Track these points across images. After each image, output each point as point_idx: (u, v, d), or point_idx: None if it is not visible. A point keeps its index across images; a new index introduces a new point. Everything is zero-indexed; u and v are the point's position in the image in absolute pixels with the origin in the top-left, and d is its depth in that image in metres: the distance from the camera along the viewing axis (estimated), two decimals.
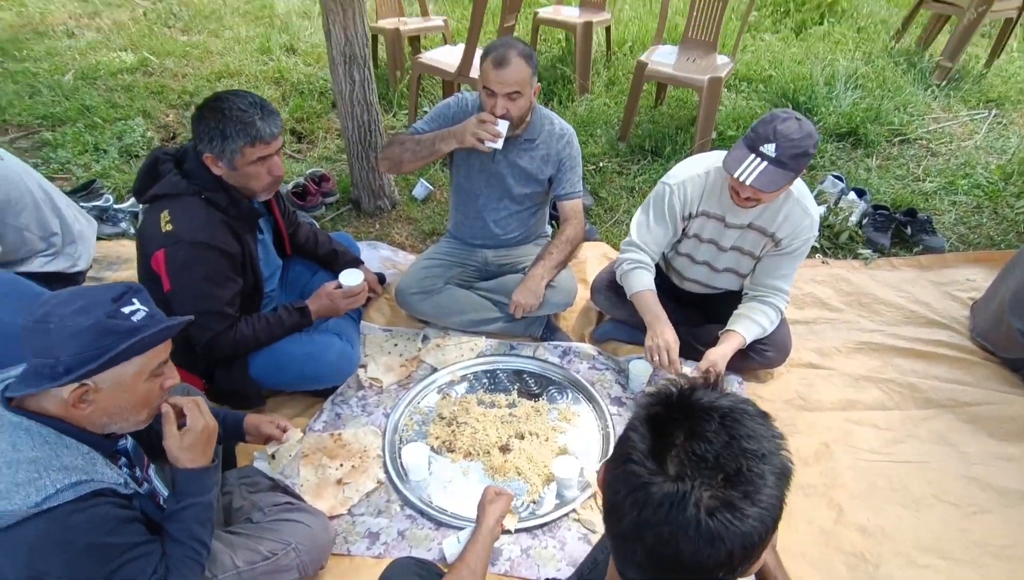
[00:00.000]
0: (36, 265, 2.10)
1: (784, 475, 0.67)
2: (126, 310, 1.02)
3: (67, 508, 0.96)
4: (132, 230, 2.85)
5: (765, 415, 0.71)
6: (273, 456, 1.57)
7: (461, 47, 3.46)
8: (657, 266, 2.17)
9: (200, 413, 1.21)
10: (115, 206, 2.90)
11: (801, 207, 1.82)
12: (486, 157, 2.10)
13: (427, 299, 2.19)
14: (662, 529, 0.65)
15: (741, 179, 1.64)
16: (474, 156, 2.10)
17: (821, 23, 4.95)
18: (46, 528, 0.94)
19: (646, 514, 0.65)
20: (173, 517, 1.15)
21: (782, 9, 5.12)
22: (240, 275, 1.70)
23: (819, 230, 2.79)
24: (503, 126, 1.92)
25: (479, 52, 3.26)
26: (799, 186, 1.84)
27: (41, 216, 2.13)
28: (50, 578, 0.96)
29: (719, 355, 1.85)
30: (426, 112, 3.73)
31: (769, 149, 1.61)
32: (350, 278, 1.89)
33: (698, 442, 0.66)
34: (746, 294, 2.00)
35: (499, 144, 1.93)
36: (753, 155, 1.64)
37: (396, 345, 2.21)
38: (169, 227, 1.55)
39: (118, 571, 1.01)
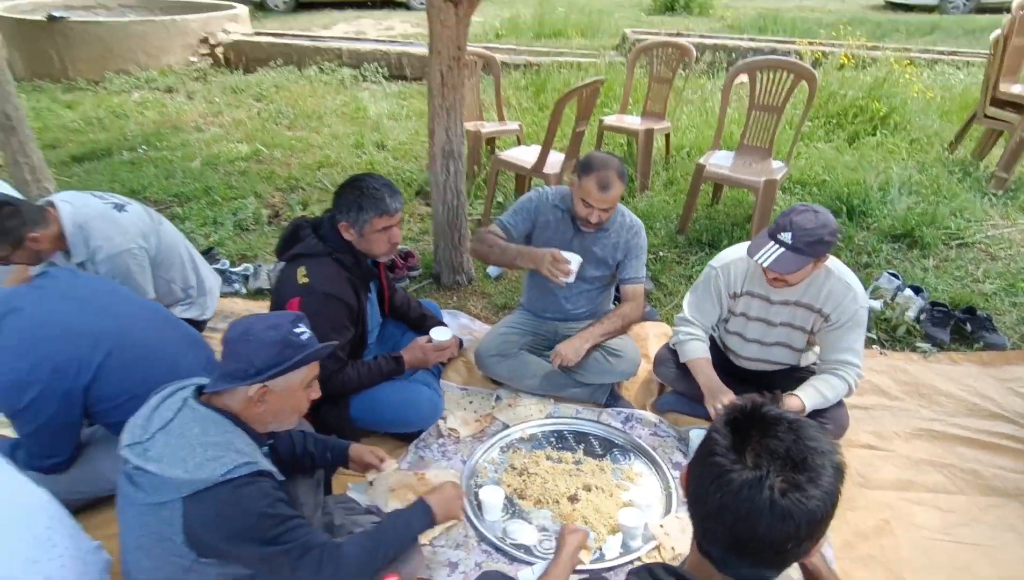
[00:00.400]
0: (176, 312, 2.46)
1: (839, 469, 0.84)
2: (298, 331, 1.31)
3: (243, 480, 1.19)
4: (243, 290, 3.25)
5: (822, 427, 0.88)
6: (371, 484, 1.77)
7: (534, 148, 3.91)
8: (715, 345, 2.34)
9: (456, 496, 1.57)
10: (230, 269, 3.33)
11: (843, 283, 1.99)
12: (562, 240, 2.36)
13: (503, 362, 2.42)
14: (741, 508, 0.81)
15: (759, 262, 1.88)
16: (553, 241, 2.36)
17: (874, 134, 5.22)
18: (230, 494, 1.18)
19: (728, 497, 0.82)
20: (383, 523, 1.41)
21: (834, 121, 5.44)
22: (354, 326, 1.99)
23: (875, 323, 2.93)
24: (575, 264, 2.17)
25: (555, 153, 3.70)
26: (838, 265, 2.03)
27: (184, 272, 2.53)
28: (232, 539, 1.18)
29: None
30: (500, 203, 4.17)
31: (786, 237, 1.84)
32: (440, 334, 2.15)
33: (770, 439, 0.84)
34: (817, 369, 2.13)
35: (571, 279, 2.19)
36: (772, 242, 1.87)
37: (471, 402, 2.42)
38: (305, 280, 1.88)
39: (282, 536, 1.22)
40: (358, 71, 7.31)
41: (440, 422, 2.25)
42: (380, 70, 7.36)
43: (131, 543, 1.23)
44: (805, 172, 4.42)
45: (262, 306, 3.06)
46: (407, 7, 12.04)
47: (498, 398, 2.43)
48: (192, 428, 1.21)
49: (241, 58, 7.75)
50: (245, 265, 3.41)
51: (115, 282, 2.05)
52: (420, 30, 9.86)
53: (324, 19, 10.85)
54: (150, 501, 1.16)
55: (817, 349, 2.21)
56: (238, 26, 8.25)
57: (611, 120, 4.58)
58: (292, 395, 1.32)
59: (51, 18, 7.00)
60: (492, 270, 3.39)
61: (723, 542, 0.85)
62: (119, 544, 1.30)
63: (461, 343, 2.70)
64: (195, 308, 2.58)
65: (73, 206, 2.16)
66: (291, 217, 4.16)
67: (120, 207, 2.27)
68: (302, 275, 1.88)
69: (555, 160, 3.70)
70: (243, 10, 8.64)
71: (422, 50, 7.61)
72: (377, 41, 8.39)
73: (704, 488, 0.86)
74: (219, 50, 7.83)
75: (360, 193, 1.89)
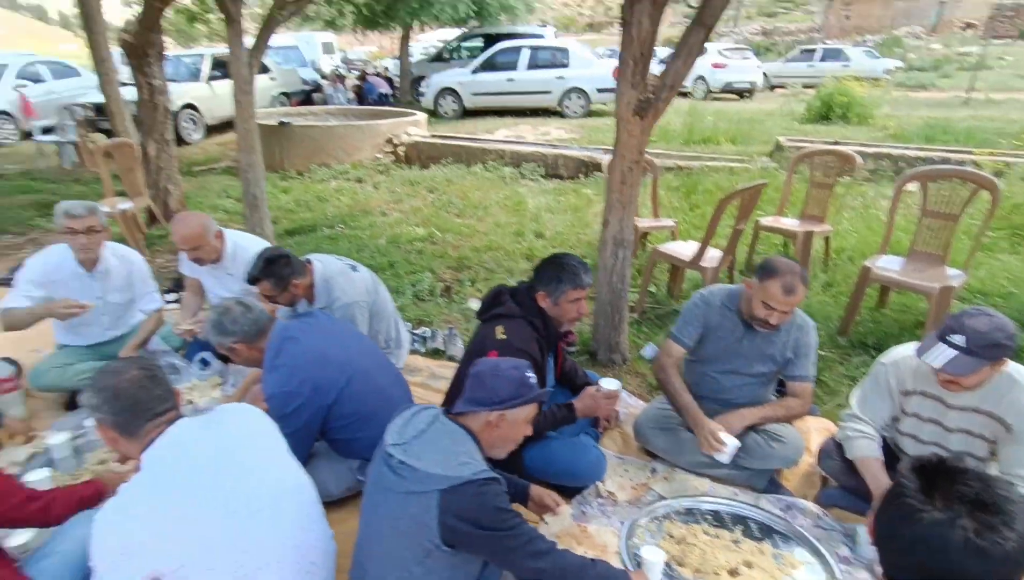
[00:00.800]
0: None
1: None
2: (529, 374, 1.61)
3: (483, 480, 1.46)
4: (422, 350, 3.71)
5: (1010, 483, 0.96)
6: (546, 524, 1.95)
7: (690, 243, 4.13)
8: (889, 449, 2.28)
9: None
10: (412, 331, 3.82)
11: None
12: (733, 339, 2.46)
13: (661, 435, 2.53)
14: (933, 543, 0.90)
15: (928, 362, 1.86)
16: (724, 341, 2.47)
17: None
18: (476, 490, 1.44)
19: (919, 532, 0.91)
20: (596, 559, 1.61)
21: (1022, 233, 5.07)
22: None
23: None
24: (731, 448, 2.25)
25: (711, 249, 3.88)
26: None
27: (390, 326, 3.01)
28: (476, 525, 1.43)
29: None
30: (651, 292, 4.37)
31: (958, 340, 1.81)
32: (609, 383, 2.35)
33: (959, 486, 0.93)
34: None
35: (724, 459, 2.27)
36: (942, 344, 1.85)
37: (627, 471, 2.54)
38: (503, 336, 2.20)
39: (514, 526, 1.47)
40: (518, 169, 8.14)
41: (599, 484, 2.40)
42: (537, 169, 8.14)
43: (383, 524, 1.52)
44: (987, 283, 4.16)
45: (439, 364, 3.48)
46: (562, 115, 13.22)
47: (654, 470, 2.53)
48: (444, 438, 1.53)
49: (418, 156, 9.01)
50: (423, 328, 3.90)
51: (350, 325, 2.53)
52: (573, 135, 10.76)
53: (488, 124, 12.23)
54: (413, 490, 1.45)
55: None
56: (417, 129, 9.63)
57: (767, 221, 4.69)
58: (517, 426, 1.60)
59: (281, 124, 8.74)
60: (647, 351, 3.55)
61: (914, 574, 0.94)
62: (359, 523, 1.62)
63: (618, 415, 2.86)
64: (391, 357, 3.02)
65: (323, 264, 2.73)
66: (460, 292, 4.70)
67: (354, 268, 2.82)
68: (500, 332, 2.21)
69: (712, 255, 3.88)
70: (422, 116, 10.11)
71: (575, 152, 8.32)
72: (535, 144, 9.30)
73: (894, 526, 0.95)
74: (400, 149, 9.17)
75: (560, 268, 2.23)
